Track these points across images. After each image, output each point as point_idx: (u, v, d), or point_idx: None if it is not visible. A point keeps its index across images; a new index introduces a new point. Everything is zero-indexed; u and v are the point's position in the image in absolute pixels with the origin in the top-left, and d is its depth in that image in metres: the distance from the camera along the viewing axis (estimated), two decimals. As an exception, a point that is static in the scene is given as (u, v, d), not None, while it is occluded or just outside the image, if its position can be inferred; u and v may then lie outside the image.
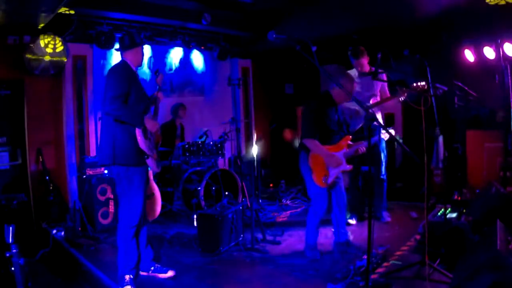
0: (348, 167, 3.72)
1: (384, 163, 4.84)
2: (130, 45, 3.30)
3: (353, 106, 4.70)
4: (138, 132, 3.15)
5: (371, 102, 4.69)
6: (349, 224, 4.88)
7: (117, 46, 5.77)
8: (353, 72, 4.81)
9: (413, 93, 4.23)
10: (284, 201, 6.29)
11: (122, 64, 3.29)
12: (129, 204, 3.24)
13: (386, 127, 3.63)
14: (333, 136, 3.79)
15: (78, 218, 4.80)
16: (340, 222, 3.99)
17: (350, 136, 3.85)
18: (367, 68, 4.71)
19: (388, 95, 4.73)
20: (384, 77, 4.72)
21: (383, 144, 4.85)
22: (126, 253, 3.30)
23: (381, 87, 4.80)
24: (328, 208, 3.84)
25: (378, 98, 4.76)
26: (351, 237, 4.03)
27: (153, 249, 3.65)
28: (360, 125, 4.70)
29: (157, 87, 3.56)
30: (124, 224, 3.26)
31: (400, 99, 4.37)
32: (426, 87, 3.94)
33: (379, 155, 4.77)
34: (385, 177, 4.88)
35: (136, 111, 3.17)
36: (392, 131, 3.92)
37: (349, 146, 3.78)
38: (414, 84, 4.06)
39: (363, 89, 4.72)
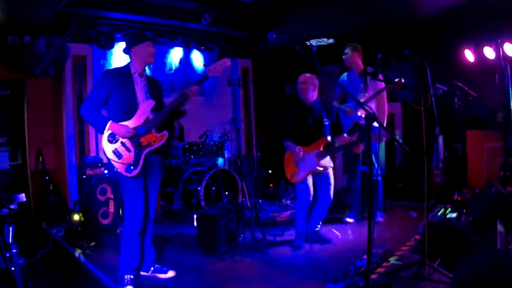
0: (320, 168, 4.04)
1: (376, 164, 4.85)
2: (132, 44, 3.26)
3: (344, 107, 4.81)
4: (102, 137, 3.16)
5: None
6: (346, 223, 4.90)
7: (118, 45, 5.82)
8: (344, 76, 4.88)
9: (392, 88, 4.34)
10: (284, 201, 6.30)
11: (116, 68, 3.33)
12: (129, 204, 3.24)
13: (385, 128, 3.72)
14: (309, 138, 4.09)
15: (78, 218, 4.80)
16: (316, 212, 4.29)
17: (326, 138, 4.05)
18: (360, 65, 4.80)
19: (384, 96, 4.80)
20: (380, 77, 4.77)
21: (377, 146, 4.86)
22: (128, 253, 3.29)
23: (374, 87, 4.79)
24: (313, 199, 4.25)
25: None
26: (320, 229, 4.38)
27: (155, 249, 3.64)
28: (351, 125, 4.74)
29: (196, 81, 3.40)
30: (127, 224, 3.26)
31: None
32: (402, 82, 4.08)
33: (370, 156, 4.79)
34: (379, 178, 4.88)
35: (97, 117, 3.15)
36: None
37: (325, 147, 4.05)
38: (396, 80, 4.15)
39: (354, 91, 4.74)
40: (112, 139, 3.15)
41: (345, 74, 4.97)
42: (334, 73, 7.05)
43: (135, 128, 3.18)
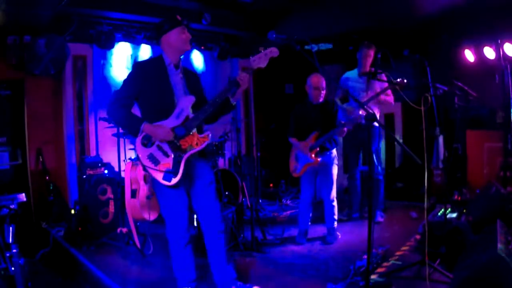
0: (312, 160, 4.17)
1: (378, 164, 4.87)
2: (160, 32, 2.85)
3: (346, 106, 4.86)
4: (136, 140, 2.79)
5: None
6: (341, 221, 4.91)
7: (118, 45, 5.82)
8: (353, 73, 4.89)
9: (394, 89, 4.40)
10: (284, 201, 6.30)
11: (148, 59, 2.98)
12: (169, 216, 2.92)
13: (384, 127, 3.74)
14: (306, 133, 4.25)
15: (79, 217, 4.79)
16: (325, 210, 4.36)
17: (317, 133, 4.19)
18: (369, 63, 4.82)
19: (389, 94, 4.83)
20: (384, 77, 4.77)
21: (380, 145, 4.90)
22: (180, 266, 3.00)
23: (381, 87, 4.82)
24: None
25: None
26: (335, 227, 4.39)
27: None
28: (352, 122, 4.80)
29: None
30: (171, 237, 2.97)
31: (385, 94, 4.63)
32: (405, 82, 4.13)
33: (371, 155, 4.83)
34: (380, 177, 4.90)
35: (127, 117, 2.77)
36: None
37: (316, 140, 4.19)
38: (399, 80, 4.19)
39: (362, 90, 4.76)
40: (147, 142, 2.76)
41: (351, 72, 4.96)
42: (334, 73, 7.06)
43: (173, 129, 2.76)
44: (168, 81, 2.83)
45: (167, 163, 2.74)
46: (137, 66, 2.88)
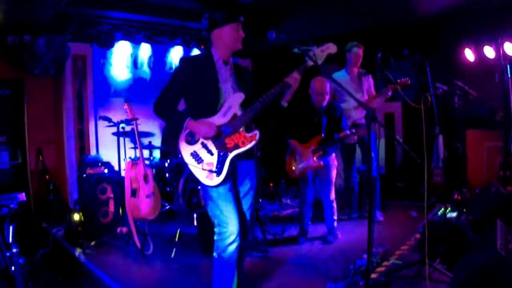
0: (315, 163, 4.14)
1: (375, 162, 4.89)
2: (212, 25, 2.74)
3: (344, 106, 4.83)
4: (180, 136, 2.69)
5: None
6: (341, 220, 4.91)
7: (118, 44, 5.82)
8: (342, 74, 4.92)
9: (399, 90, 4.46)
10: (284, 201, 6.30)
11: (195, 55, 2.93)
12: (219, 218, 2.68)
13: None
14: (308, 136, 4.22)
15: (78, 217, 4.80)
16: (325, 209, 4.37)
17: (321, 136, 4.18)
18: (360, 63, 4.92)
19: (374, 94, 4.96)
20: (370, 78, 4.95)
21: (374, 144, 4.92)
22: (220, 272, 2.74)
23: (368, 87, 4.95)
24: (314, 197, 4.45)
25: (366, 98, 4.89)
26: (335, 227, 4.40)
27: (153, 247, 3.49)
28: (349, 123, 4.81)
29: (304, 64, 2.74)
30: (217, 240, 2.71)
31: (388, 94, 4.65)
32: (408, 82, 4.15)
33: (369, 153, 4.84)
34: (376, 174, 4.92)
35: (172, 113, 2.69)
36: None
37: (319, 143, 4.17)
38: (398, 81, 4.23)
39: (354, 90, 4.80)
40: (191, 139, 2.64)
41: (339, 73, 5.00)
42: (333, 72, 7.07)
43: (219, 127, 2.63)
44: (216, 77, 2.70)
45: (210, 162, 2.62)
46: (184, 62, 2.76)
